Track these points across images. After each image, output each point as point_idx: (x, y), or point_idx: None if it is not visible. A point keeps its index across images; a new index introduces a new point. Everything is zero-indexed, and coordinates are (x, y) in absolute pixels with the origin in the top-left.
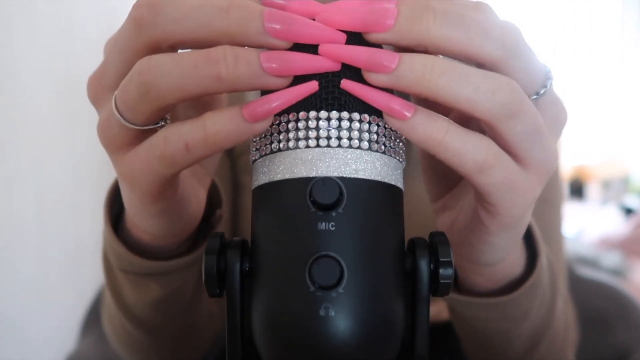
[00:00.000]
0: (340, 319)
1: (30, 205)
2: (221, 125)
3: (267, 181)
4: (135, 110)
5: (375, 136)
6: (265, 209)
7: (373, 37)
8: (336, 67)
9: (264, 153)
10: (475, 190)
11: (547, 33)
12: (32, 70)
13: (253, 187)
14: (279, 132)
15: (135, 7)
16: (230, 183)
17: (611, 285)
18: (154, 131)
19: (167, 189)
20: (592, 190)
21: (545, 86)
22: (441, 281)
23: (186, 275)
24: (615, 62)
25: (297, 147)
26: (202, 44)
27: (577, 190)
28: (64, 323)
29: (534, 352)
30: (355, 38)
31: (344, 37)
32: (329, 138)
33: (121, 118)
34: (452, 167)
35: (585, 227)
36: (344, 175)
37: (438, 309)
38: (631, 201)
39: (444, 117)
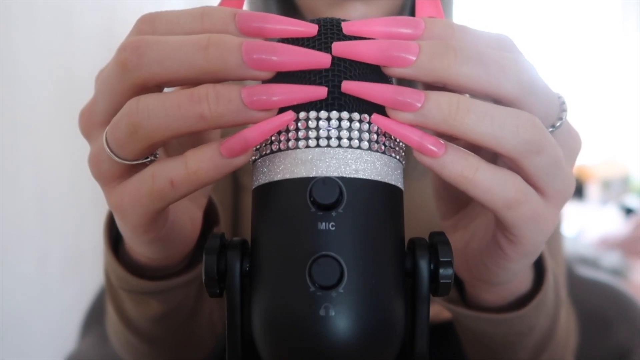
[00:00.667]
0: (340, 319)
1: (30, 205)
2: (201, 163)
3: (267, 181)
4: (125, 148)
5: (375, 136)
6: (265, 209)
7: (394, 71)
8: (322, 94)
9: (264, 153)
10: (499, 222)
11: (547, 33)
12: (32, 70)
13: (253, 187)
14: (279, 132)
15: (120, 49)
16: (231, 184)
17: (611, 285)
18: (143, 165)
19: (157, 219)
20: (592, 190)
21: (561, 118)
22: (441, 281)
23: (186, 292)
24: (615, 62)
25: (297, 147)
26: (187, 81)
27: (577, 190)
28: (64, 323)
29: (542, 356)
30: (362, 68)
31: (328, 59)
32: (329, 138)
33: (111, 154)
34: (480, 203)
35: (585, 227)
36: (344, 175)
37: (438, 309)
38: (631, 201)
39: (474, 155)
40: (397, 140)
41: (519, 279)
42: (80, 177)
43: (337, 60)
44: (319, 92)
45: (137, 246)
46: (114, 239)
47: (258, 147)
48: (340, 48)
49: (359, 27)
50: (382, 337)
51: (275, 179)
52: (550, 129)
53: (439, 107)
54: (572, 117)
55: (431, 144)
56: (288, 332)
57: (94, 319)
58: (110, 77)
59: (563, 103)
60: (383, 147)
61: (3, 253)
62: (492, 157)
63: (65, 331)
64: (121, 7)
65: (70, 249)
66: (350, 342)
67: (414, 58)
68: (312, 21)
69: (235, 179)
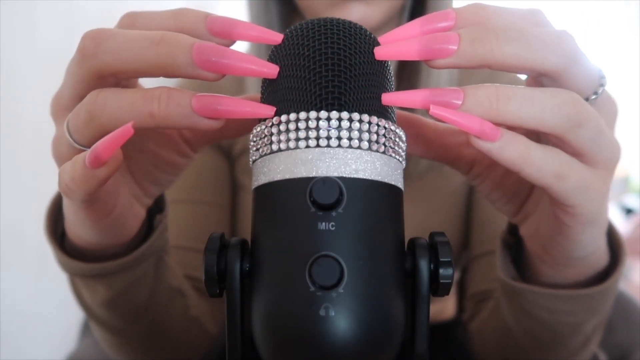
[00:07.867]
0: (340, 319)
1: (30, 205)
2: (74, 172)
3: (267, 181)
4: (81, 133)
5: (375, 136)
6: (265, 209)
7: (438, 63)
8: (268, 114)
9: (263, 153)
10: (552, 197)
11: None
12: (32, 70)
13: (253, 187)
14: (279, 132)
15: (82, 38)
16: (230, 183)
17: None
18: None
19: (98, 209)
20: None
21: (602, 85)
22: (441, 281)
23: (129, 278)
24: (616, 63)
25: (297, 147)
26: (140, 74)
27: None
28: (64, 323)
29: (588, 346)
30: (361, 67)
31: (276, 69)
32: (329, 138)
33: (70, 138)
34: (531, 181)
35: None
36: (344, 175)
37: (438, 309)
38: (631, 201)
39: (523, 136)
40: (398, 140)
41: (599, 254)
42: None
43: (337, 60)
44: (266, 110)
45: (78, 229)
46: (54, 224)
47: (258, 147)
48: (382, 52)
49: (396, 35)
50: (382, 337)
51: (275, 179)
52: (593, 97)
53: (480, 101)
54: None
55: (490, 129)
56: (288, 332)
57: None
58: (72, 63)
59: (601, 71)
60: (383, 147)
61: (3, 253)
62: (536, 136)
63: (65, 331)
64: (121, 8)
65: None
66: (350, 342)
67: (455, 47)
68: (313, 21)
69: (234, 179)
